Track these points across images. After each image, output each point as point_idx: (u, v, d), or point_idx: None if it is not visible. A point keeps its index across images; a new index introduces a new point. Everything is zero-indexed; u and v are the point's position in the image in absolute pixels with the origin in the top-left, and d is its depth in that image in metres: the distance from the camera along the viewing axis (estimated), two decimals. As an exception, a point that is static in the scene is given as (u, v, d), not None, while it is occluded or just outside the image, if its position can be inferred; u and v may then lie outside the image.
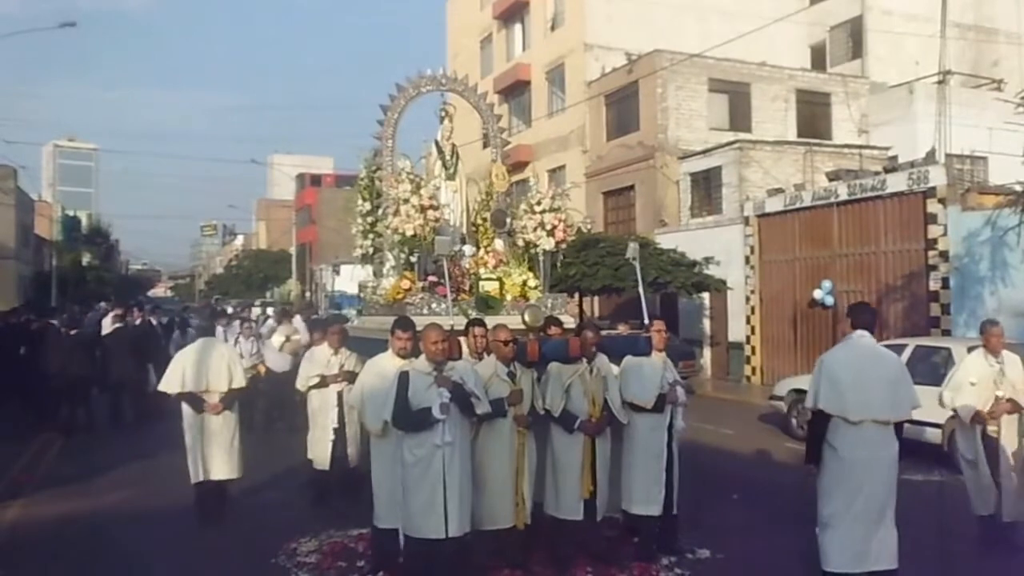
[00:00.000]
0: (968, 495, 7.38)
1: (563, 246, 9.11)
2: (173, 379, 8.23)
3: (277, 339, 13.05)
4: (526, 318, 7.69)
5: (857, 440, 5.52)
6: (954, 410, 7.33)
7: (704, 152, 24.48)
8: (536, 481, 6.55)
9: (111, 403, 14.24)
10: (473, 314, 7.70)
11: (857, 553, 5.54)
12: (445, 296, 7.66)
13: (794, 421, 13.44)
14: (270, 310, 23.91)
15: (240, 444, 8.49)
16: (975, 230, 16.15)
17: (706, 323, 23.58)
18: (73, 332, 13.85)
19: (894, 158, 22.51)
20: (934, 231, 16.87)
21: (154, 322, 15.62)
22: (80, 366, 13.11)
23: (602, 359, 6.76)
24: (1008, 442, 6.98)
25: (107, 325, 15.77)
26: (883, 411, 5.59)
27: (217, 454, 8.27)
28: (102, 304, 29.98)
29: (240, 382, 8.44)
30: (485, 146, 10.93)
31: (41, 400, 13.87)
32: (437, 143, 9.20)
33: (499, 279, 8.39)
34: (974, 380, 7.17)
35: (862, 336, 5.78)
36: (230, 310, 22.72)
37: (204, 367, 8.25)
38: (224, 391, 8.28)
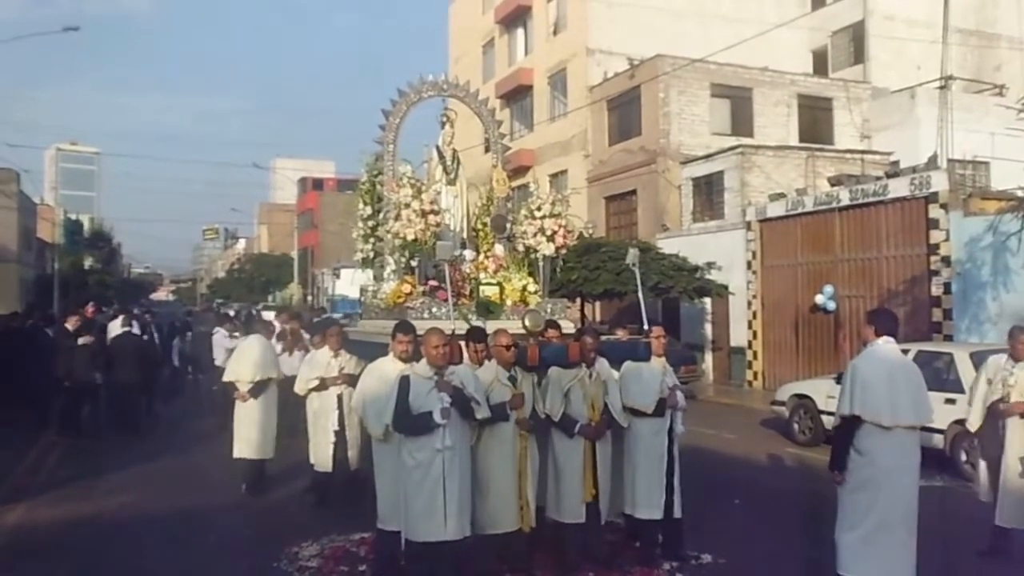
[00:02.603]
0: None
1: (563, 251, 9.12)
2: (227, 369, 9.85)
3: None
4: (526, 323, 7.69)
5: (887, 446, 5.53)
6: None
7: (706, 157, 24.48)
8: (539, 486, 6.56)
9: (115, 408, 14.21)
10: (474, 319, 7.71)
11: (876, 560, 5.53)
12: (446, 301, 7.66)
13: (796, 426, 13.44)
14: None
15: (273, 429, 9.59)
16: (977, 235, 16.15)
17: (708, 328, 23.57)
18: (81, 337, 13.78)
19: (896, 163, 22.52)
20: (936, 236, 16.87)
21: (135, 329, 15.23)
22: (85, 371, 13.09)
23: (602, 363, 6.77)
24: (1013, 447, 6.96)
25: (114, 329, 15.73)
26: (910, 416, 5.62)
27: (246, 435, 9.42)
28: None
29: (264, 375, 9.54)
30: (487, 151, 10.95)
31: (44, 404, 13.88)
32: (438, 148, 9.21)
33: (499, 284, 8.40)
34: (991, 378, 7.24)
35: (888, 342, 5.77)
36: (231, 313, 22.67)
37: (240, 360, 9.66)
38: (250, 381, 9.44)
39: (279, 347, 12.83)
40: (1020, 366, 7.05)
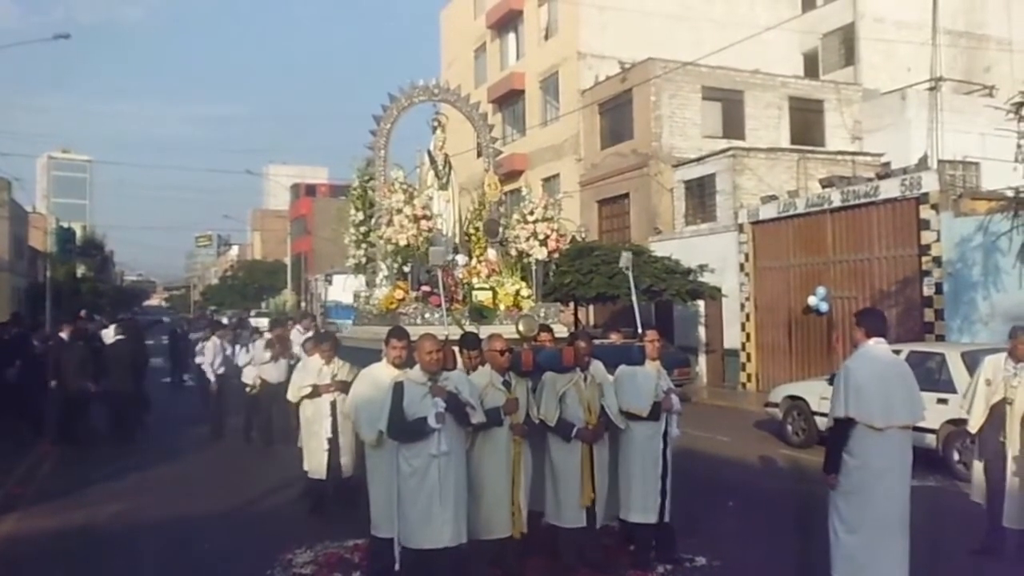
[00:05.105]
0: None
1: (556, 255, 9.13)
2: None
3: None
4: (520, 328, 7.69)
5: (881, 447, 5.52)
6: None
7: (698, 160, 24.52)
8: (534, 490, 6.56)
9: (111, 415, 14.18)
10: (467, 324, 7.70)
11: (872, 563, 5.53)
12: (438, 306, 7.66)
13: (789, 427, 13.47)
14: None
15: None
16: (968, 235, 16.21)
17: (701, 330, 23.59)
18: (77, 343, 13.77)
19: (887, 164, 22.61)
20: (927, 237, 16.93)
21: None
22: (75, 379, 13.06)
23: (597, 366, 6.78)
24: (1015, 449, 6.96)
25: (109, 336, 15.73)
26: (904, 415, 5.63)
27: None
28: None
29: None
30: (479, 155, 10.95)
31: (38, 413, 13.84)
32: (430, 153, 9.20)
33: (492, 289, 8.39)
34: (989, 378, 7.21)
35: (879, 343, 5.76)
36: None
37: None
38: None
39: (267, 355, 12.84)
40: (1023, 367, 7.05)
